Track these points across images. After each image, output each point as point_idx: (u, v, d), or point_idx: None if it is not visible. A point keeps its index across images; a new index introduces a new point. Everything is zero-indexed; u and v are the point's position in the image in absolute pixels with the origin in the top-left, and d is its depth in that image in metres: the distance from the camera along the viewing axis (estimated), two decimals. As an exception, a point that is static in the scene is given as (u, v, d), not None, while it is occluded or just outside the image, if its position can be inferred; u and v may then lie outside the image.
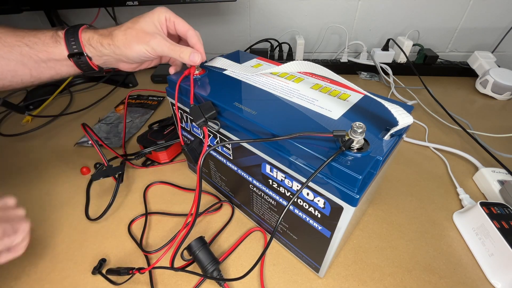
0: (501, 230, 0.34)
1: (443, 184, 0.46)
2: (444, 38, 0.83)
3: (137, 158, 0.48)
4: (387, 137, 0.26)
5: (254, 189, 0.35)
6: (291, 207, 0.30)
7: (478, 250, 0.36)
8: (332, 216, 0.26)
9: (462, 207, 0.42)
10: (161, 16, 0.34)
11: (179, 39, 0.39)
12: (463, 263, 0.36)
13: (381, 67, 0.77)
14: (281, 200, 0.31)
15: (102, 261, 0.35)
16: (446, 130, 0.59)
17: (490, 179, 0.44)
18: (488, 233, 0.35)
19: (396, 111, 0.26)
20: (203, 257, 0.33)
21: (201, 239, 0.34)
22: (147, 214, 0.41)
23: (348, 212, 0.24)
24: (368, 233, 0.39)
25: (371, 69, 0.80)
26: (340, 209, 0.25)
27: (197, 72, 0.37)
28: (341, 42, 0.85)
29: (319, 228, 0.29)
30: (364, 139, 0.24)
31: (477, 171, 0.47)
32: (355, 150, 0.24)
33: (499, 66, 0.72)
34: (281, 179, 0.29)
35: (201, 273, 0.33)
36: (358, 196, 0.23)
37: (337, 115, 0.29)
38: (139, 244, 0.37)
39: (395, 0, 0.77)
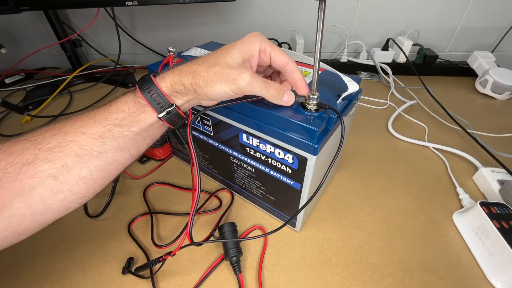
0: (501, 230, 0.34)
1: (442, 184, 0.46)
2: (444, 38, 0.83)
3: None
4: (339, 100, 0.32)
5: (235, 160, 0.39)
6: (266, 170, 0.35)
7: (478, 250, 0.36)
8: (300, 168, 0.31)
9: (462, 207, 0.42)
10: (254, 47, 0.28)
11: (271, 72, 0.34)
12: (463, 263, 0.36)
13: (380, 67, 0.77)
14: (258, 165, 0.36)
15: (131, 260, 0.36)
16: (446, 130, 0.59)
17: (489, 179, 0.44)
18: (488, 233, 0.35)
19: (347, 80, 0.32)
20: (231, 241, 0.35)
21: (233, 225, 0.36)
22: (151, 213, 0.41)
23: (311, 161, 0.30)
24: (367, 233, 0.39)
25: (371, 69, 0.80)
26: (305, 160, 0.30)
27: (175, 60, 0.39)
28: (341, 42, 0.85)
29: (291, 183, 0.34)
30: (320, 102, 0.29)
31: (476, 171, 0.47)
32: (313, 111, 0.29)
33: (498, 66, 0.72)
34: (256, 145, 0.34)
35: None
36: (317, 146, 0.28)
37: None
38: (152, 239, 0.38)
39: (394, 0, 0.77)
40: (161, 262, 0.33)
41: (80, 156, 0.24)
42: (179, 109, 0.28)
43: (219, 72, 0.27)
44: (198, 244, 0.33)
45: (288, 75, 0.30)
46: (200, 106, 0.34)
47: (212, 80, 0.27)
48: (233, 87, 0.27)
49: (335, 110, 0.29)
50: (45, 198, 0.23)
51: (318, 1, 0.23)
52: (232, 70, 0.27)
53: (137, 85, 0.28)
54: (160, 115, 0.27)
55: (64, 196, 0.24)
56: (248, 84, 0.27)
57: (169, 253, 0.32)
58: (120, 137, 0.26)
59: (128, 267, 0.35)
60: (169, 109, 0.27)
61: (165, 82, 0.27)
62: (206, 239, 0.37)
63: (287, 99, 0.29)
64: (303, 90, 0.30)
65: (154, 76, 0.28)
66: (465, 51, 0.84)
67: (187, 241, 0.31)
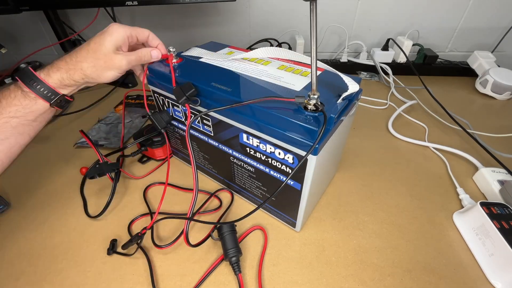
0: (501, 230, 0.34)
1: (443, 184, 0.46)
2: (444, 38, 0.83)
3: (133, 155, 0.48)
4: (339, 100, 0.32)
5: (235, 160, 0.39)
6: (266, 170, 0.35)
7: (478, 250, 0.36)
8: (300, 169, 0.31)
9: (462, 207, 0.42)
10: (122, 36, 0.35)
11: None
12: (463, 263, 0.36)
13: (381, 67, 0.77)
14: (258, 165, 0.36)
15: (114, 241, 0.38)
16: (446, 130, 0.59)
17: (490, 179, 0.44)
18: (488, 233, 0.35)
19: (347, 80, 0.32)
20: (230, 241, 0.35)
21: (232, 225, 0.36)
22: (151, 213, 0.42)
23: (312, 162, 0.30)
24: (368, 233, 0.39)
25: (371, 69, 0.80)
26: (305, 160, 0.30)
27: (175, 60, 0.40)
28: (341, 42, 0.85)
29: (291, 183, 0.34)
30: (320, 103, 0.29)
31: (477, 171, 0.47)
32: (314, 111, 0.29)
33: (498, 66, 0.72)
34: (256, 145, 0.34)
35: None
36: (317, 146, 0.28)
37: (299, 88, 0.34)
38: (152, 238, 0.38)
39: (395, 0, 0.77)
40: (141, 236, 0.36)
41: None
42: (67, 96, 0.35)
43: (103, 64, 0.33)
44: (193, 246, 0.34)
45: (151, 43, 0.39)
46: (198, 110, 0.35)
47: (102, 71, 0.34)
48: (119, 70, 0.35)
49: (323, 112, 0.28)
50: None
51: (309, 1, 0.23)
52: (112, 58, 0.34)
53: (20, 81, 0.32)
54: (52, 105, 0.33)
55: None
56: (127, 64, 0.35)
57: (145, 227, 0.36)
58: (18, 126, 0.32)
59: (112, 248, 0.37)
60: (59, 99, 0.34)
61: (53, 79, 0.33)
62: (203, 241, 0.37)
63: (156, 55, 0.38)
64: (163, 50, 0.39)
65: (35, 70, 0.33)
66: (465, 51, 0.84)
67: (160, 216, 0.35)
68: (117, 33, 0.34)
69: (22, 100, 0.32)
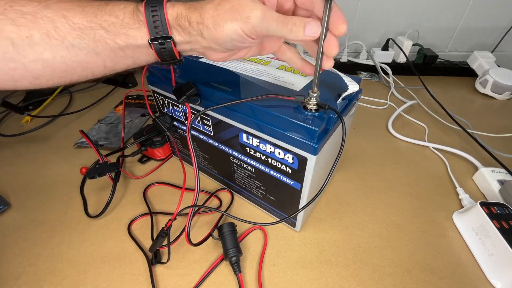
0: (501, 230, 0.34)
1: (442, 184, 0.46)
2: (444, 38, 0.83)
3: (133, 155, 0.48)
4: (339, 100, 0.32)
5: (235, 160, 0.39)
6: (266, 170, 0.35)
7: (478, 250, 0.36)
8: (300, 168, 0.31)
9: (462, 207, 0.42)
10: None
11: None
12: (463, 263, 0.36)
13: (380, 67, 0.77)
14: (258, 165, 0.36)
15: (157, 252, 0.36)
16: (446, 130, 0.59)
17: (489, 179, 0.44)
18: (488, 233, 0.35)
19: (347, 80, 0.32)
20: (230, 241, 0.35)
21: (233, 225, 0.36)
22: (151, 213, 0.41)
23: (311, 161, 0.30)
24: (368, 233, 0.39)
25: (371, 69, 0.80)
26: (305, 160, 0.30)
27: None
28: (341, 42, 0.85)
29: (291, 183, 0.34)
30: (320, 102, 0.29)
31: (476, 171, 0.47)
32: (314, 111, 0.29)
33: (498, 66, 0.72)
34: (256, 145, 0.34)
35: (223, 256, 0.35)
36: (317, 146, 0.28)
37: (299, 87, 0.34)
38: (152, 239, 0.38)
39: (394, 0, 0.77)
40: (167, 230, 0.34)
41: (49, 37, 0.22)
42: (175, 46, 0.26)
43: (229, 9, 0.23)
44: (194, 245, 0.33)
45: (316, 10, 0.25)
46: (198, 109, 0.34)
47: (222, 19, 0.23)
48: (246, 26, 0.23)
49: (335, 110, 0.29)
50: None
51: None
52: (244, 7, 0.23)
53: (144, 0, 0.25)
54: (152, 42, 0.25)
55: (15, 67, 0.22)
56: (262, 20, 0.22)
57: (170, 219, 0.34)
58: (101, 41, 0.24)
59: (155, 258, 0.36)
60: (164, 41, 0.25)
61: (173, 11, 0.25)
62: (204, 240, 0.37)
63: (311, 31, 0.23)
64: (342, 27, 0.25)
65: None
66: (465, 51, 0.84)
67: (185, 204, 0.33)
68: None
69: (128, 16, 0.24)
